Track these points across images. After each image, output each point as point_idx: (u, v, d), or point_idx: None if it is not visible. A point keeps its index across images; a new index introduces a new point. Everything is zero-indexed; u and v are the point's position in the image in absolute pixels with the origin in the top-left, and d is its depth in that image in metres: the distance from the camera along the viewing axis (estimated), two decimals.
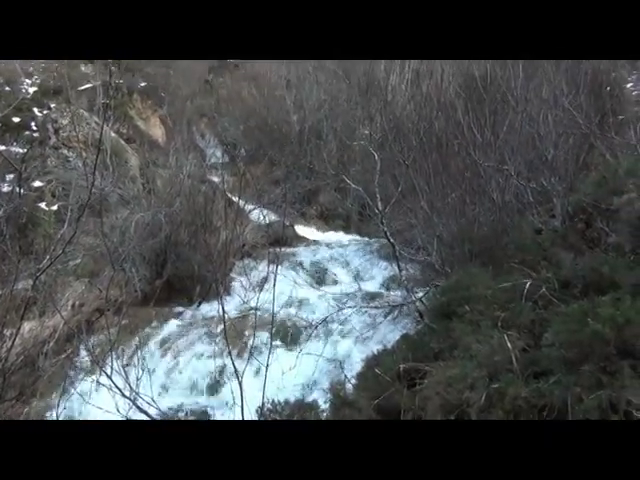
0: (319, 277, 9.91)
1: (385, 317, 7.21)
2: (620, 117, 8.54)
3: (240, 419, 3.76)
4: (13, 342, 4.10)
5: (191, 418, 6.30)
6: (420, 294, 6.60)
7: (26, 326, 6.67)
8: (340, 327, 7.33)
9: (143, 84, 18.36)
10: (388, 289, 8.87)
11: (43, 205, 10.68)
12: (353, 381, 5.17)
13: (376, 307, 7.49)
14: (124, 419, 3.86)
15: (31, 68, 19.46)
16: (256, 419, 4.41)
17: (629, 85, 13.31)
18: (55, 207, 10.57)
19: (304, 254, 10.83)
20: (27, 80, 18.02)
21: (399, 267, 6.93)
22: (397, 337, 6.55)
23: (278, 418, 4.49)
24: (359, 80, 14.97)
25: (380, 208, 6.73)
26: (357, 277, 9.21)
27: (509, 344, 3.70)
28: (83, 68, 20.05)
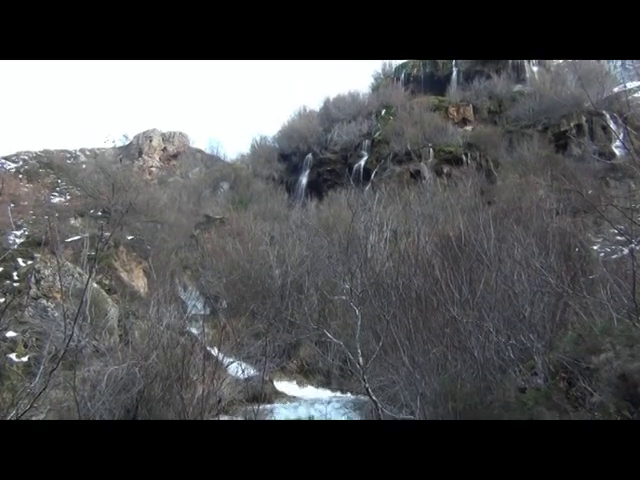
0: None
1: None
2: (591, 277, 8.88)
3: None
4: None
5: None
6: None
7: None
8: None
9: (130, 237, 18.94)
10: None
11: (13, 356, 10.35)
12: None
13: None
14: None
15: (21, 220, 20.10)
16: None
17: (596, 247, 14.09)
18: (26, 359, 10.24)
19: (283, 412, 10.41)
20: (16, 232, 18.51)
21: None
22: None
23: None
24: (340, 237, 15.60)
25: (361, 363, 6.64)
26: None
27: None
28: (72, 221, 20.75)
